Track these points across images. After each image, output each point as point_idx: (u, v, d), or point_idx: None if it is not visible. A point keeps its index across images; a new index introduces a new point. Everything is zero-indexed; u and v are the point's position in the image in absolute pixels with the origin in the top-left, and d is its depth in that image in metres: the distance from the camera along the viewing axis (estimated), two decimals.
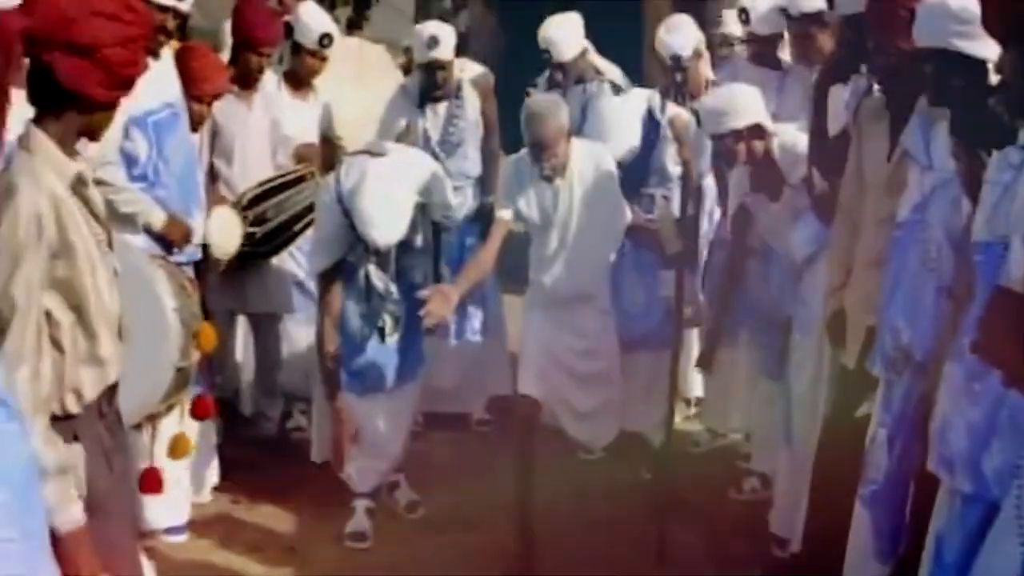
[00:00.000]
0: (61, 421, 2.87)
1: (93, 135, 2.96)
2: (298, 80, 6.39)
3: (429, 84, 6.46)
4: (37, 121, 2.83)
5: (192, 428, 4.54)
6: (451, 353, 6.64)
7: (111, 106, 2.94)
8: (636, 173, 5.73)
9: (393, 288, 5.42)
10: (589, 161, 5.33)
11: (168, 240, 5.05)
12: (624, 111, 5.82)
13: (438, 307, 5.00)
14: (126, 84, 2.91)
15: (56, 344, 2.85)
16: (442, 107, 6.54)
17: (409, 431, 5.73)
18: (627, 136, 5.66)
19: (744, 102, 5.13)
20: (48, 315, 2.81)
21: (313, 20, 6.34)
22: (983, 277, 2.97)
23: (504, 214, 5.37)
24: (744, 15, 6.10)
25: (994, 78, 3.45)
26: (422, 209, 5.41)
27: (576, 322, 5.42)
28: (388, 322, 5.43)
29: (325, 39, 6.27)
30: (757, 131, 5.13)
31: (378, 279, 5.40)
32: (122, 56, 2.83)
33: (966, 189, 3.52)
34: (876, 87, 4.46)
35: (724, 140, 5.18)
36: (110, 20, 2.80)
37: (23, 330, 2.71)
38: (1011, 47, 2.90)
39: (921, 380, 3.76)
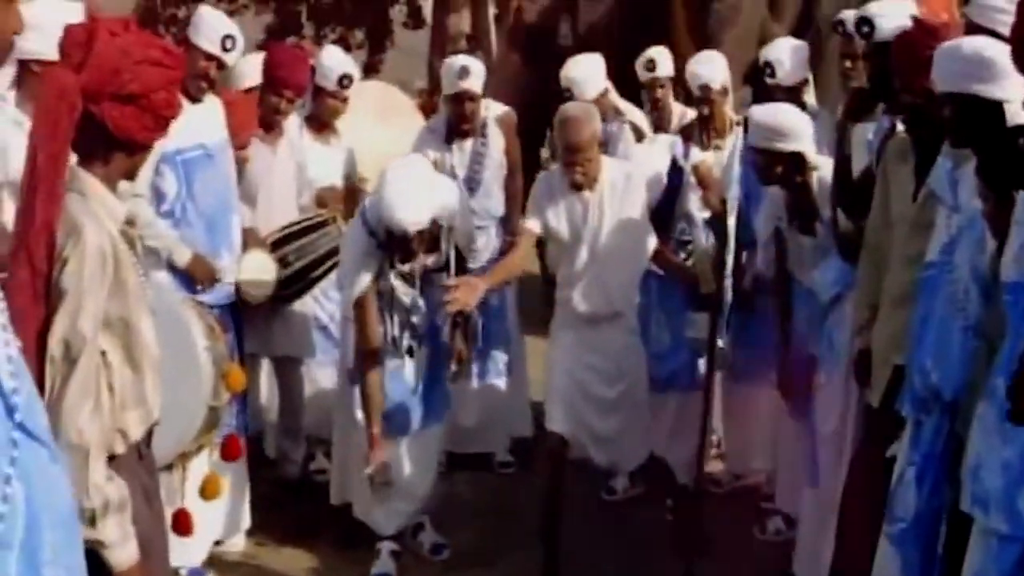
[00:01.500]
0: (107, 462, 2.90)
1: (132, 175, 3.06)
2: (320, 123, 6.44)
3: (457, 116, 6.49)
4: (83, 164, 2.90)
5: (221, 469, 4.57)
6: (474, 394, 6.65)
7: (151, 147, 3.05)
8: (662, 219, 5.76)
9: (420, 302, 5.41)
10: (619, 178, 5.41)
11: (192, 278, 5.10)
12: (650, 160, 5.86)
13: (464, 295, 5.00)
14: (166, 124, 3.02)
15: (108, 383, 2.89)
16: (468, 144, 6.57)
17: (435, 473, 5.72)
18: (653, 186, 5.70)
19: (794, 127, 5.12)
20: (103, 354, 2.86)
21: (333, 61, 6.41)
22: (1013, 317, 2.99)
23: (532, 224, 5.42)
24: (770, 69, 6.15)
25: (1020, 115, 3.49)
26: (447, 233, 5.43)
27: (605, 341, 5.45)
28: (412, 343, 5.43)
29: (345, 80, 6.33)
30: (798, 159, 5.13)
31: (404, 294, 5.38)
32: (165, 99, 2.94)
33: (991, 229, 3.54)
34: (900, 127, 4.49)
35: (763, 155, 5.17)
36: (154, 66, 2.90)
37: (90, 365, 2.78)
38: None
39: (950, 419, 3.77)
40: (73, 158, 2.87)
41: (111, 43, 2.83)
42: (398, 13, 19.17)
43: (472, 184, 6.53)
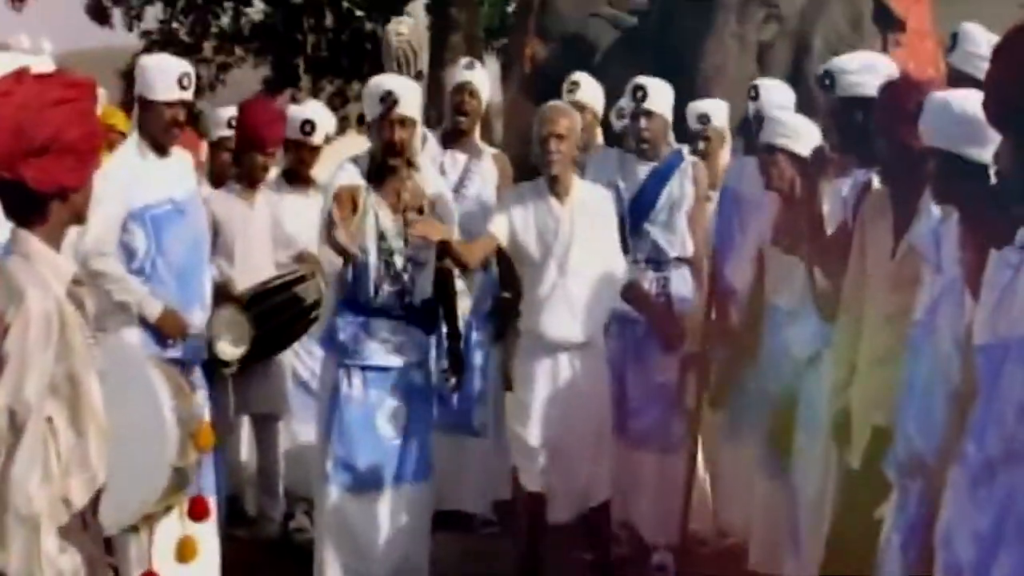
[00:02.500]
0: None
1: (79, 218, 2.95)
2: (295, 175, 6.40)
3: (456, 106, 6.37)
4: (23, 226, 2.81)
5: (197, 530, 4.48)
6: (451, 449, 6.44)
7: (87, 183, 2.93)
8: (644, 207, 5.79)
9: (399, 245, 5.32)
10: (592, 199, 5.43)
11: (163, 333, 5.04)
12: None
13: (425, 227, 5.10)
14: (92, 157, 2.91)
15: (56, 450, 2.82)
16: (461, 158, 6.45)
17: (421, 544, 5.52)
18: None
19: (809, 132, 5.08)
20: (48, 420, 2.79)
21: (294, 111, 6.39)
22: (985, 379, 2.92)
23: (497, 227, 5.41)
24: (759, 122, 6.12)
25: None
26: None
27: (573, 377, 5.40)
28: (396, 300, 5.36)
29: (307, 126, 6.28)
30: (802, 165, 5.08)
31: (393, 235, 5.31)
32: (81, 133, 2.83)
33: (971, 289, 3.47)
34: (877, 181, 4.44)
35: (772, 155, 5.14)
36: (58, 106, 2.79)
37: (36, 433, 2.71)
38: (1008, 136, 2.88)
39: (935, 487, 3.68)
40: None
41: (6, 103, 2.73)
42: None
43: (462, 190, 6.35)
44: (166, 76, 5.18)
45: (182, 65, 5.32)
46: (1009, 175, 2.89)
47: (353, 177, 5.31)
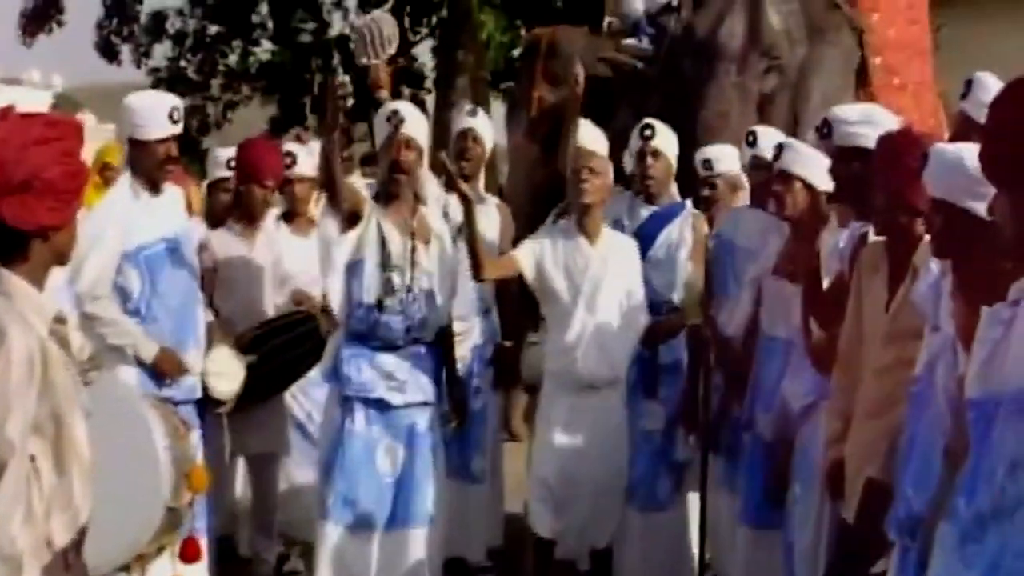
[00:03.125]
0: None
1: (62, 259, 2.91)
2: (293, 214, 6.42)
3: (458, 152, 6.35)
4: (4, 264, 2.79)
5: (188, 571, 4.47)
6: (451, 495, 6.40)
7: (70, 224, 2.90)
8: (643, 246, 5.84)
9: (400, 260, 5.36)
10: (619, 245, 5.52)
11: (159, 373, 5.04)
12: None
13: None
14: (75, 196, 2.87)
15: (39, 490, 2.80)
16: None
17: None
18: None
19: (824, 168, 5.00)
20: (32, 459, 2.78)
21: (291, 148, 6.43)
22: (975, 434, 2.91)
23: (522, 256, 5.50)
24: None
25: None
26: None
27: (600, 416, 5.44)
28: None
29: (287, 158, 6.29)
30: (814, 198, 5.09)
31: (395, 245, 5.35)
32: (62, 172, 2.79)
33: (963, 343, 3.47)
34: (872, 234, 4.45)
35: (789, 183, 5.15)
36: (39, 145, 2.76)
37: (19, 472, 2.69)
38: (1002, 189, 2.89)
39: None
40: None
41: None
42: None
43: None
44: (156, 114, 5.19)
45: (170, 99, 5.36)
46: (1002, 228, 2.89)
47: (362, 188, 5.43)
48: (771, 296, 5.31)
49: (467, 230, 5.38)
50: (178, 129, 5.23)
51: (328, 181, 5.29)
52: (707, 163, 6.27)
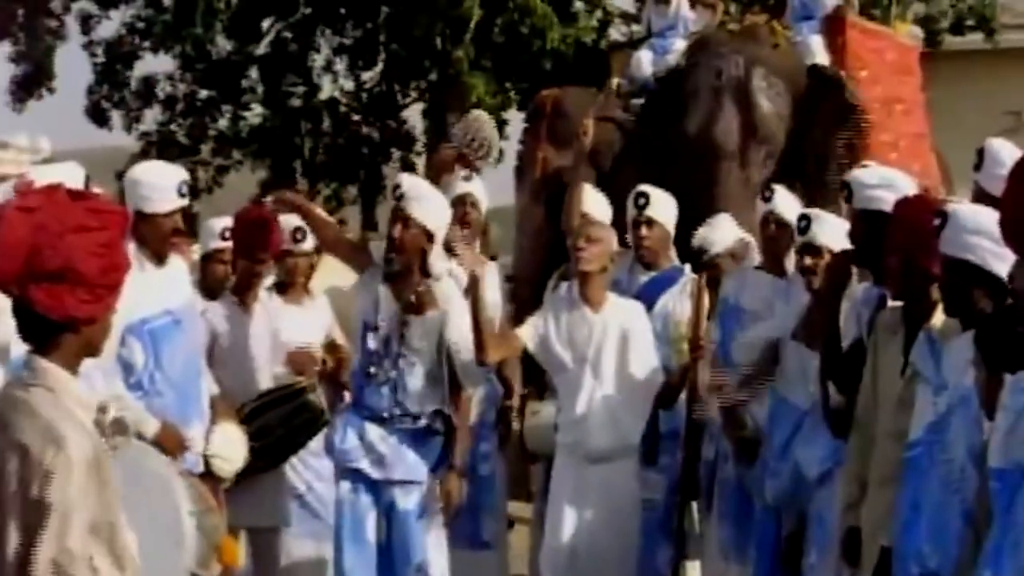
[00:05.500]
0: None
1: (93, 352, 2.81)
2: (287, 284, 6.33)
3: (458, 219, 6.25)
4: (38, 352, 2.70)
5: None
6: (463, 564, 6.12)
7: (103, 318, 2.80)
8: None
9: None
10: (625, 311, 5.45)
11: (162, 449, 4.95)
12: None
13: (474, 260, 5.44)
14: (111, 291, 2.77)
15: None
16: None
17: None
18: None
19: (844, 231, 5.01)
20: (89, 559, 2.67)
21: (287, 219, 6.27)
22: (999, 504, 2.86)
23: (524, 332, 5.43)
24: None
25: None
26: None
27: (611, 482, 5.34)
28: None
29: (298, 233, 6.24)
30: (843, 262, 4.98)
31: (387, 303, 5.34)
32: (99, 265, 2.70)
33: (986, 408, 3.42)
34: (891, 299, 4.41)
35: (808, 251, 5.15)
36: (78, 233, 2.67)
37: None
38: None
39: None
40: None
41: (24, 222, 2.62)
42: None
43: None
44: (164, 188, 5.14)
45: (179, 173, 5.32)
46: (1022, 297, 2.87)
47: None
48: (790, 361, 5.25)
49: (472, 311, 5.27)
50: (185, 202, 5.19)
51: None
52: (703, 248, 6.17)
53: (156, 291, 4.96)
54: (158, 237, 5.08)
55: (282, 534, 6.21)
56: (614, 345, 5.34)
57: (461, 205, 6.37)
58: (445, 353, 5.44)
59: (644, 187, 6.07)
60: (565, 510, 5.39)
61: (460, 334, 5.35)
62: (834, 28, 8.67)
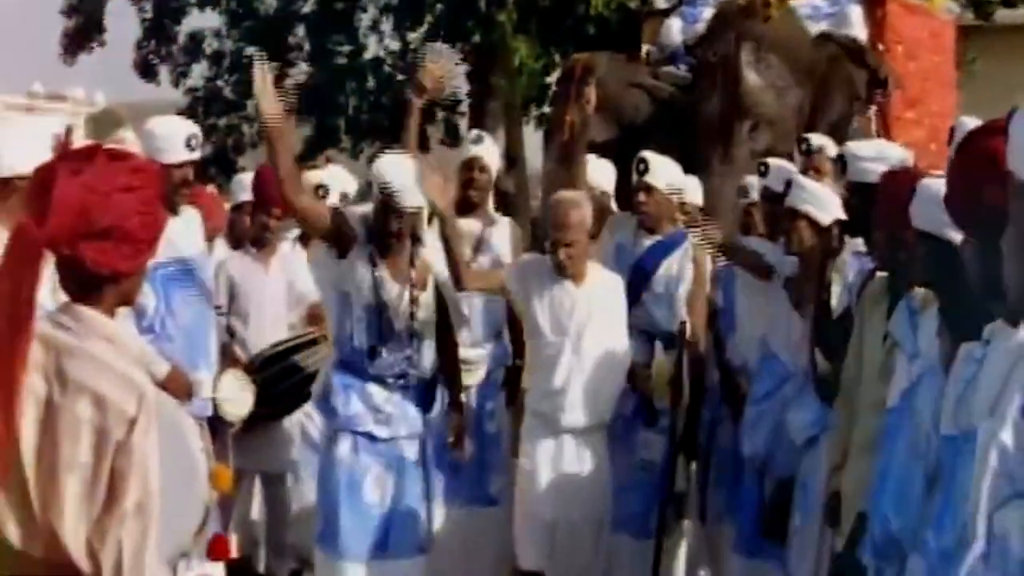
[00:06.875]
0: None
1: (129, 301, 2.95)
2: (309, 238, 6.49)
3: (465, 182, 6.35)
4: (79, 301, 2.81)
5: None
6: (470, 520, 6.39)
7: (139, 272, 2.94)
8: (642, 278, 5.89)
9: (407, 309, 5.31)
10: (605, 284, 5.46)
11: (169, 392, 5.12)
12: None
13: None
14: (150, 245, 2.91)
15: None
16: (476, 227, 6.35)
17: None
18: None
19: (832, 203, 5.10)
20: None
21: (310, 176, 6.50)
22: (945, 469, 2.96)
23: (508, 274, 5.48)
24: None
25: None
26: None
27: (580, 454, 5.40)
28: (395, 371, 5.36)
29: (320, 190, 6.39)
30: (821, 233, 5.14)
31: (394, 295, 5.28)
32: (141, 222, 2.84)
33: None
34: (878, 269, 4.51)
35: (795, 220, 5.19)
36: (124, 193, 2.81)
37: (156, 515, 2.77)
38: (968, 234, 2.94)
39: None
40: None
41: (73, 183, 2.74)
42: (435, 131, 19.43)
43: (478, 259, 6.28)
44: (174, 140, 5.33)
45: (188, 127, 5.49)
46: (973, 271, 2.95)
47: (353, 218, 5.32)
48: (781, 320, 5.36)
49: (444, 244, 5.30)
50: (195, 156, 5.37)
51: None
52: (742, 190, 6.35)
53: (168, 239, 5.11)
54: (169, 187, 5.25)
55: (296, 480, 6.41)
56: (596, 322, 5.37)
57: (468, 169, 6.40)
58: (453, 313, 5.54)
59: (645, 153, 6.13)
60: (536, 477, 5.44)
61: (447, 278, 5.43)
62: (874, 0, 8.72)
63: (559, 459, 5.43)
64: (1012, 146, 2.37)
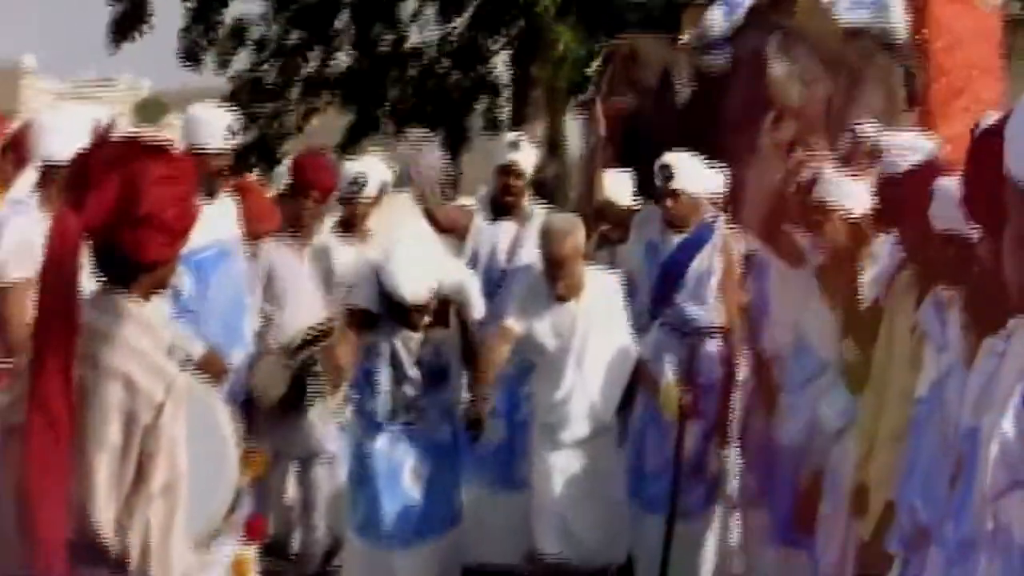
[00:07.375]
0: None
1: (162, 287, 3.05)
2: (347, 225, 6.59)
3: (502, 188, 6.42)
4: (114, 288, 2.90)
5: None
6: (494, 504, 6.44)
7: (173, 260, 3.04)
8: (673, 277, 5.92)
9: (415, 373, 5.50)
10: (601, 287, 5.53)
11: (204, 373, 5.20)
12: None
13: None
14: (184, 235, 3.00)
15: None
16: (512, 227, 6.44)
17: None
18: None
19: (862, 196, 5.09)
20: None
21: (347, 168, 6.57)
22: (966, 462, 2.97)
23: (512, 324, 5.48)
24: None
25: None
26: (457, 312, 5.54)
27: (593, 459, 5.50)
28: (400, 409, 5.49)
29: (354, 185, 6.46)
30: (852, 226, 5.12)
31: (406, 354, 5.46)
32: (177, 212, 2.92)
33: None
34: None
35: (816, 209, 5.19)
36: (163, 184, 2.88)
37: (185, 496, 2.86)
38: (984, 231, 2.95)
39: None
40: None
41: (113, 174, 2.83)
42: (477, 119, 19.48)
43: (511, 265, 6.33)
44: (213, 128, 5.42)
45: (228, 116, 5.56)
46: (991, 267, 2.96)
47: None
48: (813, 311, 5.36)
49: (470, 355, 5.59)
50: (232, 144, 5.47)
51: None
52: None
53: (204, 224, 5.17)
54: (206, 173, 5.33)
55: (330, 461, 6.48)
56: (595, 334, 5.47)
57: (504, 175, 6.44)
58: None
59: (668, 158, 6.13)
60: (552, 485, 5.58)
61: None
62: None
63: (568, 467, 5.57)
64: (1008, 144, 2.38)
